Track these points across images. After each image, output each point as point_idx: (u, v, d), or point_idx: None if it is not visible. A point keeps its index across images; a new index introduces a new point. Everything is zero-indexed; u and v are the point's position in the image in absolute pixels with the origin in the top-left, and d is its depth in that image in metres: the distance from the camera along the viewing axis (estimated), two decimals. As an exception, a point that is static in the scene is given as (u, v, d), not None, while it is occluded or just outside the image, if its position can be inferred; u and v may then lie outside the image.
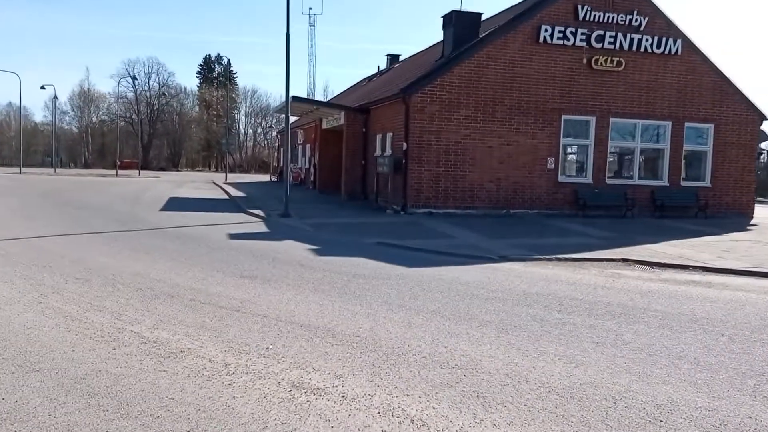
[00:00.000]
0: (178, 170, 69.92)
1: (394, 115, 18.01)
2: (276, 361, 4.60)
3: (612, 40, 17.56)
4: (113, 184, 31.30)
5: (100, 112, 77.83)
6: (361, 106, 21.78)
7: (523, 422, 3.66)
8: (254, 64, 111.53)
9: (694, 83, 18.60)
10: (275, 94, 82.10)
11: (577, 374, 4.55)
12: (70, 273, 7.78)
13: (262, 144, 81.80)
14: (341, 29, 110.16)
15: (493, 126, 17.04)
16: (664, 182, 18.74)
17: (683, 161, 18.97)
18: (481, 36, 18.07)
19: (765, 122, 19.78)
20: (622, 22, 17.62)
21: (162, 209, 17.72)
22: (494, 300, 7.04)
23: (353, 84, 42.84)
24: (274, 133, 67.89)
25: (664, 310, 6.88)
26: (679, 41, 18.15)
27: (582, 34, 17.34)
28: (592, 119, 17.90)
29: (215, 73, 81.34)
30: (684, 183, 18.91)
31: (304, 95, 54.43)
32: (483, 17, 19.58)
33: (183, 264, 8.73)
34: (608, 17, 17.47)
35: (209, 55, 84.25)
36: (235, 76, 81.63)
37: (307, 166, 31.00)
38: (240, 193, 25.02)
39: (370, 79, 36.22)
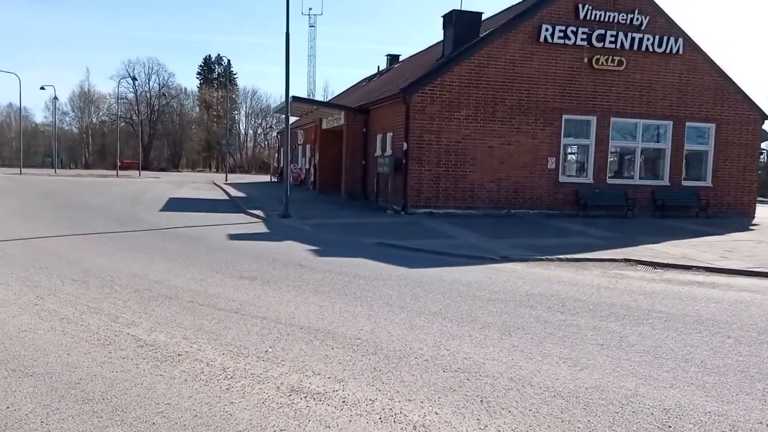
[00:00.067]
0: (178, 171, 69.84)
1: (394, 115, 17.92)
2: (275, 365, 4.52)
3: (613, 39, 17.48)
4: (113, 185, 31.21)
5: (101, 113, 77.82)
6: (361, 106, 21.70)
7: (529, 428, 3.57)
8: (254, 65, 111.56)
9: (696, 83, 18.51)
10: (275, 95, 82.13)
11: (583, 378, 4.46)
12: (67, 274, 7.69)
13: (263, 144, 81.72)
14: (341, 29, 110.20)
15: (493, 126, 16.95)
16: (665, 182, 18.66)
17: (684, 161, 18.88)
18: (481, 35, 17.98)
19: (766, 121, 19.70)
20: (623, 21, 17.53)
21: (162, 210, 17.63)
22: (496, 301, 6.95)
23: (353, 84, 42.77)
24: (275, 134, 67.84)
25: (669, 311, 6.79)
26: (680, 40, 18.06)
27: (583, 33, 17.25)
28: (593, 119, 17.82)
29: (215, 74, 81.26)
30: (685, 183, 18.82)
31: (304, 95, 54.36)
32: (483, 17, 19.50)
33: (182, 265, 8.64)
34: (609, 16, 17.39)
35: (209, 55, 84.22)
36: (235, 76, 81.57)
37: (307, 166, 30.92)
38: (240, 194, 24.94)
39: (370, 79, 36.13)
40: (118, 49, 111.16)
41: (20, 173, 42.68)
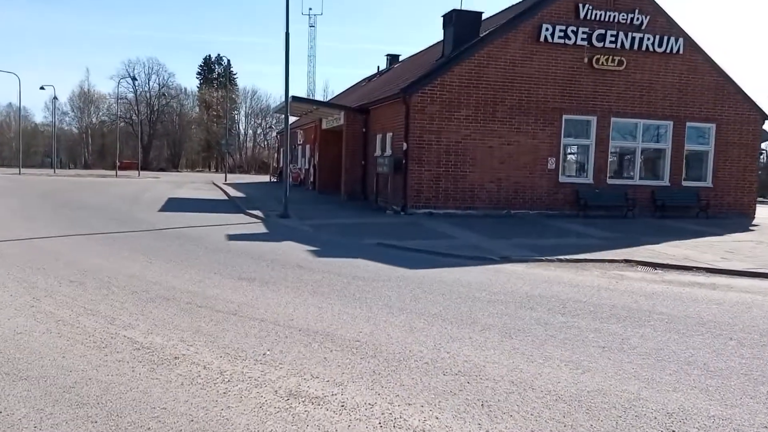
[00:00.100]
0: (178, 171, 69.76)
1: (394, 115, 17.87)
2: (273, 368, 4.46)
3: (613, 39, 17.43)
4: (112, 185, 31.15)
5: (100, 113, 77.75)
6: (361, 106, 21.64)
7: (530, 433, 3.52)
8: (254, 64, 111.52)
9: (696, 82, 18.47)
10: (275, 95, 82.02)
11: (585, 381, 4.40)
12: (64, 275, 7.63)
13: (262, 145, 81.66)
14: (341, 29, 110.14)
15: (493, 126, 16.90)
16: (665, 182, 18.61)
17: (684, 161, 18.83)
18: (481, 35, 17.93)
19: (767, 122, 19.65)
20: (624, 21, 17.48)
21: (161, 210, 17.58)
22: (497, 303, 6.90)
23: (353, 84, 42.71)
24: (274, 134, 67.74)
25: (670, 312, 6.74)
26: (680, 40, 18.01)
27: (583, 33, 17.20)
28: (593, 119, 17.77)
29: (215, 74, 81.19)
30: (685, 183, 18.77)
31: (303, 95, 54.29)
32: (483, 16, 19.45)
33: (180, 266, 8.59)
34: (609, 16, 17.34)
35: (209, 55, 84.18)
36: (235, 76, 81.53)
37: (306, 166, 30.86)
38: (239, 194, 24.88)
39: (370, 79, 36.08)
40: (118, 49, 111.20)
41: (19, 173, 42.60)
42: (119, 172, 46.36)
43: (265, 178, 45.19)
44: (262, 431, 3.41)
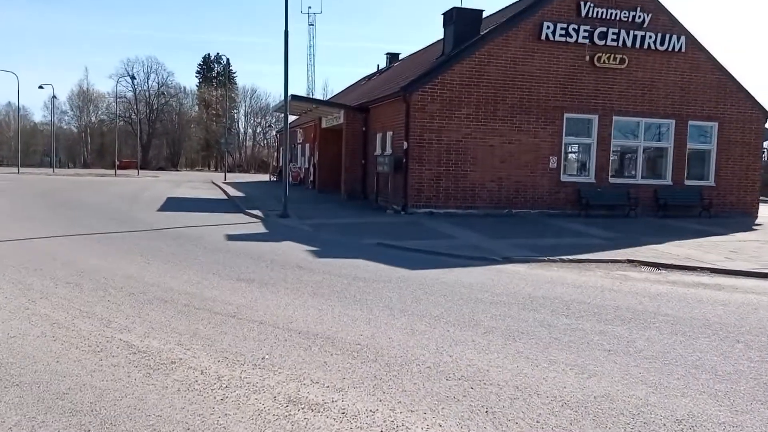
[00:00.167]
0: (177, 170, 69.60)
1: (394, 113, 17.76)
2: (272, 373, 4.36)
3: (615, 37, 17.31)
4: (111, 184, 31.04)
5: (99, 112, 77.63)
6: (361, 104, 21.53)
7: (536, 441, 3.42)
8: (254, 64, 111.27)
9: (698, 81, 18.35)
10: (275, 94, 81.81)
11: (591, 386, 4.30)
12: (60, 276, 7.53)
13: (262, 144, 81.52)
14: (341, 28, 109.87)
15: (494, 124, 16.79)
16: (668, 181, 18.50)
17: (686, 160, 18.71)
18: (482, 33, 17.82)
19: (769, 120, 19.55)
20: (625, 19, 17.36)
21: (159, 209, 17.47)
22: (499, 304, 6.80)
23: (353, 83, 42.57)
24: (274, 133, 67.64)
25: (675, 314, 6.64)
26: (682, 38, 17.90)
27: (585, 31, 17.09)
28: (595, 117, 17.66)
29: (214, 73, 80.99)
30: (687, 182, 18.66)
31: (303, 94, 54.17)
32: (484, 14, 19.31)
33: (178, 266, 8.49)
34: (611, 14, 17.22)
35: (209, 54, 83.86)
36: (234, 75, 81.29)
37: (306, 165, 30.74)
38: (239, 193, 24.78)
39: (370, 77, 35.94)
40: (117, 48, 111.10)
41: (18, 172, 42.48)
42: (118, 171, 46.25)
43: (265, 177, 45.08)
44: (260, 440, 3.32)
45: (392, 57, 34.96)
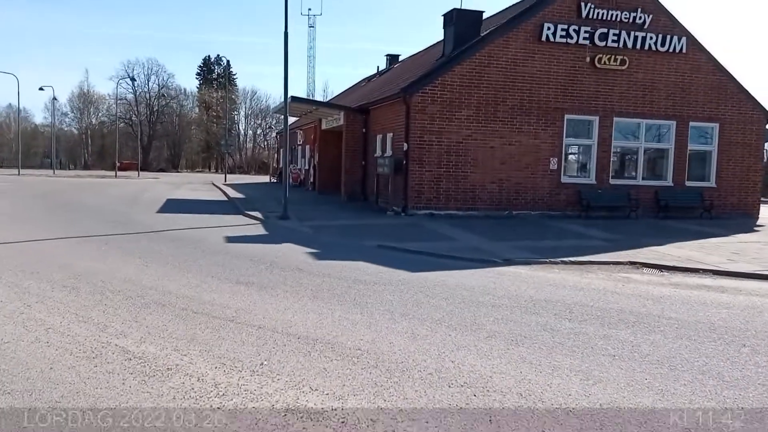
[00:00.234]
0: (177, 171, 69.54)
1: (394, 115, 17.69)
2: (270, 380, 4.27)
3: (615, 38, 17.24)
4: (112, 186, 30.95)
5: (100, 114, 77.59)
6: (361, 106, 21.45)
7: (541, 450, 3.33)
8: (254, 65, 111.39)
9: (699, 82, 18.28)
10: (275, 95, 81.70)
11: (596, 393, 4.21)
12: (57, 279, 7.44)
13: (262, 145, 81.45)
14: (341, 29, 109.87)
15: (494, 126, 16.71)
16: (668, 182, 18.43)
17: (687, 161, 18.63)
18: (482, 35, 17.75)
19: (771, 121, 19.46)
20: (626, 20, 17.30)
21: (159, 211, 17.39)
22: (501, 307, 6.71)
23: (353, 84, 42.51)
24: (274, 134, 67.54)
25: (679, 317, 6.55)
26: (683, 39, 17.83)
27: (585, 32, 17.02)
28: (595, 119, 17.58)
29: (215, 74, 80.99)
30: (688, 183, 18.58)
31: (303, 96, 54.09)
32: (484, 16, 19.27)
33: (177, 269, 8.40)
34: (612, 15, 17.15)
35: (209, 56, 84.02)
36: (234, 77, 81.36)
37: (306, 167, 30.66)
38: (239, 195, 24.69)
39: (369, 79, 35.88)
40: (117, 49, 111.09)
41: (18, 174, 42.40)
42: (119, 173, 46.17)
43: (265, 179, 45.00)
44: (257, 450, 3.23)
45: (392, 58, 34.91)
